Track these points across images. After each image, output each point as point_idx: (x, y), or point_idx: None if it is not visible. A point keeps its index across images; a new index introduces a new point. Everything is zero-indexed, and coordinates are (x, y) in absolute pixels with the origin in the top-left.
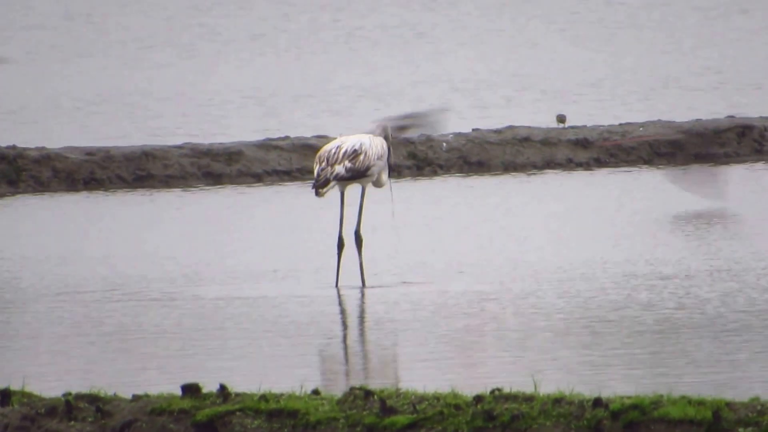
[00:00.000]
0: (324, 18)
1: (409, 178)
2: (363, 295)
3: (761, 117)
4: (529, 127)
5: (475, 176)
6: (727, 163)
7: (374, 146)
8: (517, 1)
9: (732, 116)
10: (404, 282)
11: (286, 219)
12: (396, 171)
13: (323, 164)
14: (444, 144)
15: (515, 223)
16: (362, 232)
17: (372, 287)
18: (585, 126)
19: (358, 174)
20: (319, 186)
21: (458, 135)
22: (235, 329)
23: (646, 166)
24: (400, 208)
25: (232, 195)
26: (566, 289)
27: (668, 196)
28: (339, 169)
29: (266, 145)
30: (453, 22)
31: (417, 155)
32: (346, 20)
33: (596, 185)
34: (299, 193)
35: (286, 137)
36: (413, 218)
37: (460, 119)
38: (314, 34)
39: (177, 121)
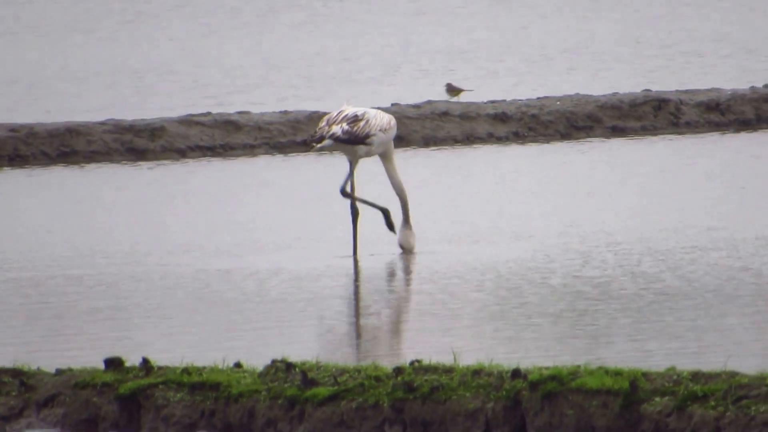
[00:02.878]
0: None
1: (328, 153)
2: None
3: (677, 90)
4: (447, 102)
5: (398, 148)
6: (643, 135)
7: (378, 117)
8: None
9: (648, 90)
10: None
11: (216, 194)
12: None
13: (323, 124)
14: None
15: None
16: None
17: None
18: (504, 100)
19: (355, 138)
20: (314, 140)
21: (377, 109)
22: (172, 303)
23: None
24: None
25: (154, 170)
26: (508, 258)
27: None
28: (336, 129)
29: (188, 121)
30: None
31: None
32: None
33: (518, 157)
34: (223, 168)
35: (208, 113)
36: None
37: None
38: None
39: (101, 99)
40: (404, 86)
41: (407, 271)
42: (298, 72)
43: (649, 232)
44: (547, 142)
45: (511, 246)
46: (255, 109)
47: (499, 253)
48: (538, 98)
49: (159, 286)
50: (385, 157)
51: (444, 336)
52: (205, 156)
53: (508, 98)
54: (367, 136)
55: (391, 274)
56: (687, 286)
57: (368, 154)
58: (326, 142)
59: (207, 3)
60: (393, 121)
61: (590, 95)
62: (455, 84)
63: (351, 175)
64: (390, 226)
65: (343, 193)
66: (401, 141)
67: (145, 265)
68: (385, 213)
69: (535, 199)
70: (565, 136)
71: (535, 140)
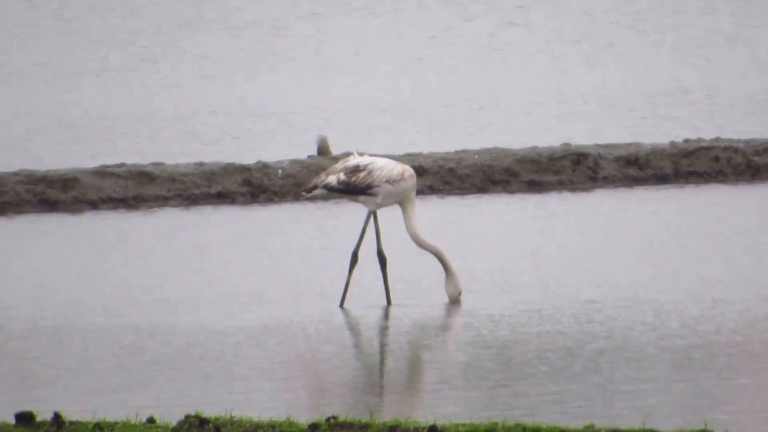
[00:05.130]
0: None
1: (242, 205)
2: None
3: (596, 144)
4: (361, 153)
5: (309, 202)
6: (560, 190)
7: (387, 169)
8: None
9: (567, 144)
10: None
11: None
12: (229, 198)
13: (323, 173)
14: (280, 171)
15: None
16: (384, 251)
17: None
18: (421, 153)
19: (353, 189)
20: (306, 189)
21: (294, 161)
22: (86, 357)
23: (480, 193)
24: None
25: (64, 221)
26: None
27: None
28: (332, 178)
29: (102, 172)
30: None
31: (252, 182)
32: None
33: (436, 211)
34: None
35: (122, 164)
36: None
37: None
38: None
39: (14, 149)
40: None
41: (347, 325)
42: (216, 123)
43: (573, 289)
44: (463, 196)
45: (434, 305)
46: (170, 160)
47: (425, 312)
48: (456, 151)
49: (70, 342)
50: (403, 209)
51: (365, 393)
52: (117, 207)
53: (425, 151)
54: (369, 186)
55: (332, 329)
56: (610, 345)
57: (378, 206)
58: (318, 191)
59: (120, 55)
60: (408, 173)
61: (509, 149)
62: (326, 138)
63: (364, 232)
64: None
65: (354, 255)
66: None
67: (55, 320)
68: (342, 301)
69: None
70: (481, 190)
71: (450, 193)
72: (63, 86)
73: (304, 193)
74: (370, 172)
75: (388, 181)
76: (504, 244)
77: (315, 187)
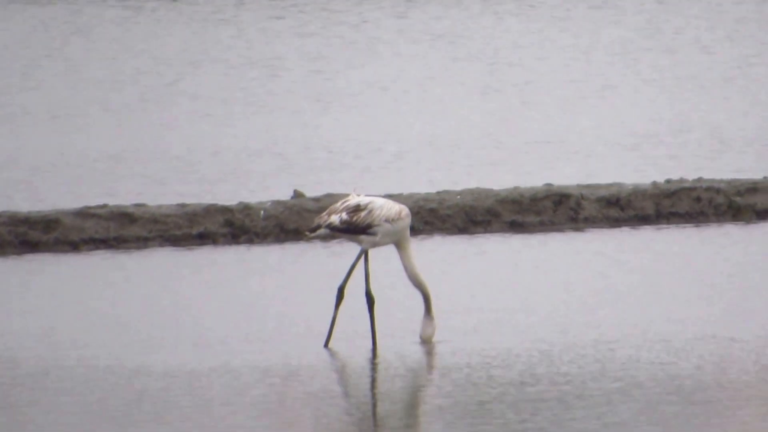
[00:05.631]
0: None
1: (224, 245)
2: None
3: (578, 185)
4: (348, 195)
5: (290, 243)
6: (542, 231)
7: (386, 208)
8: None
9: (549, 184)
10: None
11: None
12: (211, 239)
13: (324, 213)
14: (262, 211)
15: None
16: (373, 291)
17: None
18: (401, 194)
19: (354, 228)
20: (310, 229)
21: (277, 202)
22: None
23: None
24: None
25: (46, 262)
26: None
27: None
28: (334, 218)
29: (83, 213)
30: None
31: (234, 223)
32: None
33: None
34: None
35: (104, 205)
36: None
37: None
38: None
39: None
40: (303, 178)
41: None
42: (196, 165)
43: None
44: (444, 237)
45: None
46: (152, 201)
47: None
48: (437, 192)
49: (51, 380)
50: (399, 248)
51: None
52: (99, 248)
53: (406, 191)
54: (369, 226)
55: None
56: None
57: (375, 245)
58: (322, 231)
59: (99, 97)
60: (405, 212)
61: (490, 189)
62: (299, 189)
63: (353, 269)
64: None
65: (340, 290)
66: (297, 234)
67: (38, 359)
68: (327, 340)
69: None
70: (463, 231)
71: (431, 234)
72: (56, 127)
73: (307, 233)
74: (370, 212)
75: (387, 220)
76: (500, 284)
77: (318, 227)
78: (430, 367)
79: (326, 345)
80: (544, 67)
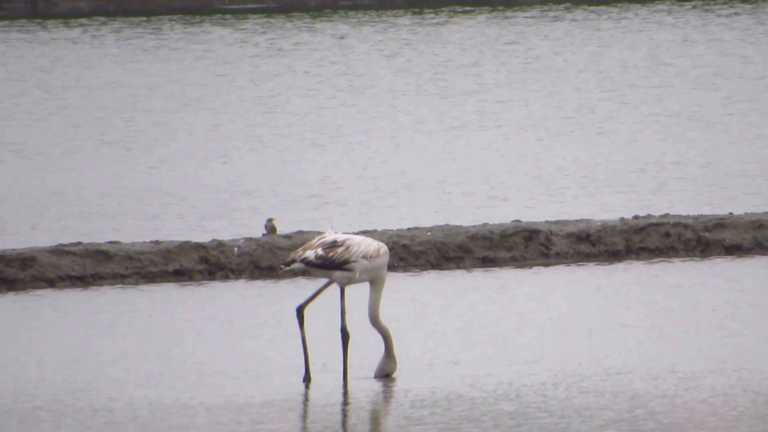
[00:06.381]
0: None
1: (199, 282)
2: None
3: (547, 221)
4: (320, 232)
5: (266, 279)
6: (513, 266)
7: (364, 245)
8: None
9: (518, 221)
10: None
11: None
12: (187, 275)
13: (299, 248)
14: (236, 248)
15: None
16: (348, 328)
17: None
18: (375, 230)
19: (330, 264)
20: (284, 263)
21: (250, 240)
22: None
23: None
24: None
25: (22, 299)
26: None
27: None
28: (309, 253)
29: (59, 251)
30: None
31: (209, 259)
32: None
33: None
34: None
35: (79, 243)
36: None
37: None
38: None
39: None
40: (278, 213)
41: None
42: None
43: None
44: (418, 273)
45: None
46: (125, 239)
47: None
48: (408, 228)
49: (28, 419)
50: (373, 286)
51: None
52: (75, 286)
53: (379, 228)
54: (346, 262)
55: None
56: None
57: (351, 281)
58: (296, 265)
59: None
60: (383, 250)
61: (461, 225)
62: (275, 222)
63: (317, 294)
64: (306, 380)
65: (299, 311)
66: (272, 271)
67: (14, 399)
68: (307, 380)
69: (411, 334)
70: (435, 267)
71: (406, 270)
72: (36, 164)
73: (282, 266)
74: (347, 248)
75: (365, 257)
76: (480, 319)
77: (293, 261)
78: (400, 401)
79: (306, 378)
80: (513, 108)
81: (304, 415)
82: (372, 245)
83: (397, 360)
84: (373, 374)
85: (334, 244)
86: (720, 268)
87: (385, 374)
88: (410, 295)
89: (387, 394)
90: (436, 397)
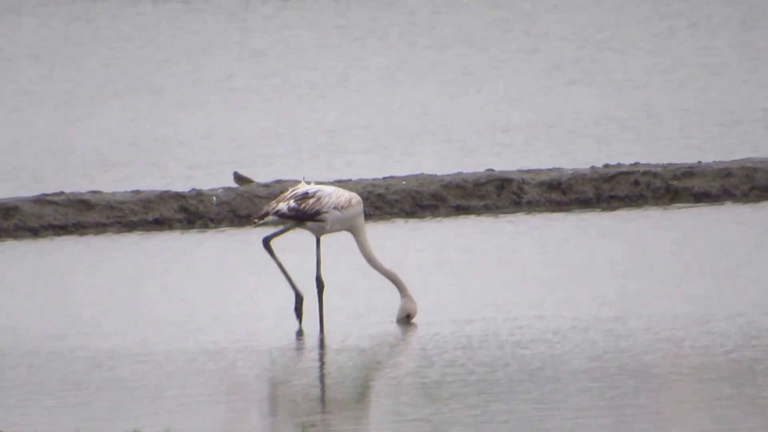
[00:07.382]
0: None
1: (179, 231)
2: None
3: (519, 170)
4: (297, 181)
5: (246, 228)
6: (486, 214)
7: (335, 196)
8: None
9: (491, 169)
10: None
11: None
12: (167, 224)
13: (273, 201)
14: (214, 198)
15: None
16: (323, 277)
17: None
18: (350, 180)
19: (302, 215)
20: (258, 216)
21: (228, 189)
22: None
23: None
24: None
25: (6, 247)
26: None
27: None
28: (282, 206)
29: (41, 201)
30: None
31: (188, 209)
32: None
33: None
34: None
35: (61, 193)
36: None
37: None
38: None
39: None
40: (255, 165)
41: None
42: (148, 152)
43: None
44: (393, 221)
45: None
46: (107, 188)
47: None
48: (384, 177)
49: (11, 364)
50: (355, 236)
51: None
52: (58, 235)
53: (354, 177)
54: (317, 213)
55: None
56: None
57: (325, 232)
58: (270, 218)
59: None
60: (355, 200)
61: (435, 175)
62: (242, 173)
63: (285, 231)
64: (298, 313)
65: (265, 242)
66: (247, 219)
67: None
68: (298, 298)
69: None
70: (410, 215)
71: (381, 218)
72: (23, 116)
73: (255, 220)
74: (318, 199)
75: (336, 208)
76: (468, 266)
77: (266, 214)
78: (381, 346)
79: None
80: (491, 57)
81: (284, 359)
82: (343, 196)
83: (413, 298)
84: (395, 319)
85: (305, 196)
86: (686, 215)
87: (406, 315)
88: (386, 241)
89: (373, 339)
90: (418, 341)
